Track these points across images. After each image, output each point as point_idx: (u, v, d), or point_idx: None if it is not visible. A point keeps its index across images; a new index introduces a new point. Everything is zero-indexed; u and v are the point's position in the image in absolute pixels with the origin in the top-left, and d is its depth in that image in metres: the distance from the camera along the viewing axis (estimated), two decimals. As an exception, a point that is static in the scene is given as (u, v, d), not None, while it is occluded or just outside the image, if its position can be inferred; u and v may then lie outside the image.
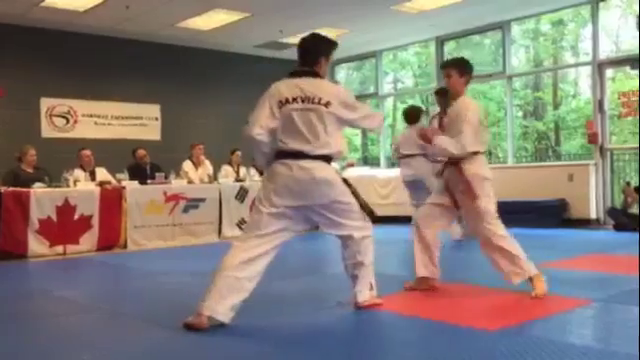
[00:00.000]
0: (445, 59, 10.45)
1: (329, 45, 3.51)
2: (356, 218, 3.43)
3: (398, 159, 7.12)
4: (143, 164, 8.42)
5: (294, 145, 3.26)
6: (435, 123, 7.67)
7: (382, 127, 3.70)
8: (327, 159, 3.34)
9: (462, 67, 4.14)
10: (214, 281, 3.17)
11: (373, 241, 3.56)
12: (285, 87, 3.34)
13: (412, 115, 6.98)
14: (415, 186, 6.83)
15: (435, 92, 8.06)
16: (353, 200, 3.42)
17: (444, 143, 3.89)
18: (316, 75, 3.39)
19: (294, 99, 3.28)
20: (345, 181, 3.46)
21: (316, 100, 3.26)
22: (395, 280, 4.54)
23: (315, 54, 3.43)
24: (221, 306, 3.12)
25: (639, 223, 7.29)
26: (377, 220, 3.62)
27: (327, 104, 3.26)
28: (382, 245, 6.55)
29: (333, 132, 3.31)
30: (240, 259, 3.19)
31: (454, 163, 3.99)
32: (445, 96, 7.73)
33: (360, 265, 3.50)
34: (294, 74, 3.40)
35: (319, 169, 3.27)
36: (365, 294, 3.52)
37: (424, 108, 7.47)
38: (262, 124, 3.28)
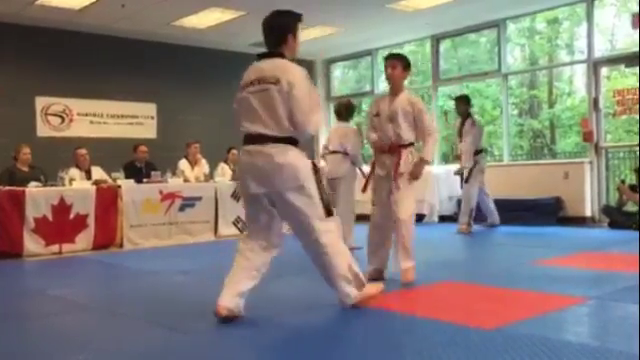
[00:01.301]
0: (439, 57, 10.56)
1: (293, 19, 3.34)
2: (317, 215, 3.25)
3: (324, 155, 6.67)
4: (140, 162, 8.40)
5: (255, 128, 3.19)
6: (456, 128, 7.73)
7: (315, 131, 3.35)
8: (291, 141, 3.21)
9: (407, 63, 4.47)
10: (227, 277, 3.28)
11: (338, 238, 3.40)
12: (248, 72, 3.31)
13: (341, 111, 6.50)
14: (332, 185, 6.38)
15: (455, 98, 8.05)
16: (316, 191, 3.25)
17: (432, 155, 4.41)
18: (280, 56, 3.26)
19: (252, 82, 3.23)
20: (314, 168, 3.30)
21: (270, 79, 3.16)
22: (391, 279, 4.55)
23: (280, 33, 3.29)
24: (233, 300, 3.21)
25: (639, 222, 7.31)
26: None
27: (277, 82, 3.14)
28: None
29: (283, 113, 3.15)
30: (244, 250, 3.31)
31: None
32: (466, 103, 7.77)
33: (329, 268, 3.34)
34: (261, 56, 3.32)
35: (280, 154, 3.16)
36: (350, 295, 3.39)
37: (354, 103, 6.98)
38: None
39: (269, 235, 3.36)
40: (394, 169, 4.31)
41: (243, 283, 3.25)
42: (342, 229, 6.27)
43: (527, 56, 13.61)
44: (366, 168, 7.53)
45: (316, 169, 3.30)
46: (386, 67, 4.43)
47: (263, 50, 3.41)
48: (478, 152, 7.69)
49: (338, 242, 3.37)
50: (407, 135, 4.32)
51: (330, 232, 3.32)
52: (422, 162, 4.30)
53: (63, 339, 3.17)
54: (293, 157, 3.20)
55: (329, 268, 3.34)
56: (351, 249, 6.21)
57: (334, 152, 6.38)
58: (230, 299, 3.21)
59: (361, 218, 7.19)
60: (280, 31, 3.30)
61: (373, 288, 3.51)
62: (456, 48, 12.27)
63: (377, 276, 4.41)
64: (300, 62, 3.44)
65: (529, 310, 3.37)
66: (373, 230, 4.48)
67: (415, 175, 4.31)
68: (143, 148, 8.50)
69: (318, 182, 3.28)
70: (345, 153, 6.31)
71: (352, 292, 3.38)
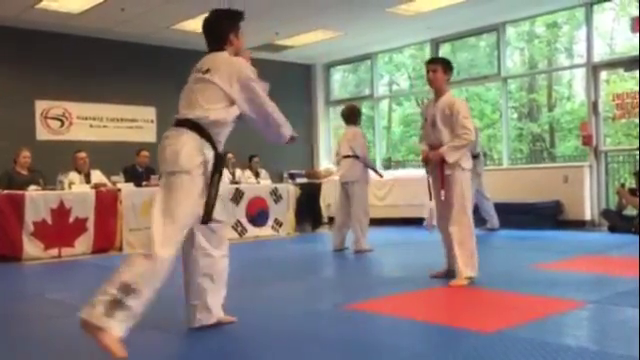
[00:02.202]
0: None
1: (232, 21, 3.22)
2: (163, 219, 2.77)
3: (337, 162, 6.73)
4: (141, 166, 8.40)
5: (177, 115, 3.10)
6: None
7: (282, 138, 3.12)
8: (196, 127, 2.95)
9: (447, 66, 4.51)
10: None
11: (162, 268, 2.80)
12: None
13: (348, 115, 6.64)
14: (345, 189, 6.48)
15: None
16: (190, 185, 2.84)
17: (451, 155, 4.21)
18: (220, 51, 3.17)
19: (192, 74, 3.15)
20: (217, 160, 2.95)
21: (202, 69, 3.10)
22: (391, 282, 4.55)
23: (220, 36, 3.19)
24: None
25: (639, 226, 7.30)
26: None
27: (206, 71, 3.05)
28: (378, 247, 6.58)
29: (209, 99, 2.98)
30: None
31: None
32: None
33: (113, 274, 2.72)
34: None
35: (173, 136, 2.97)
36: (88, 312, 2.67)
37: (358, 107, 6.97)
38: None
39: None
40: (439, 174, 4.32)
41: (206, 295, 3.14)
42: (356, 231, 6.33)
43: (526, 60, 13.62)
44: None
45: (219, 163, 2.96)
46: (427, 72, 4.49)
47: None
48: (474, 157, 7.68)
49: (141, 260, 2.74)
50: (448, 139, 4.30)
51: (150, 243, 2.73)
52: (437, 153, 4.28)
53: (62, 342, 3.17)
54: (182, 140, 2.92)
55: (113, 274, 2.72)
56: (363, 251, 6.28)
57: (346, 156, 6.45)
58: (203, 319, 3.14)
59: (374, 222, 7.16)
60: (220, 34, 3.20)
61: (114, 345, 2.60)
62: (455, 52, 12.26)
63: (444, 275, 4.47)
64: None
65: (529, 314, 3.37)
66: (441, 234, 4.56)
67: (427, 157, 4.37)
68: (145, 153, 8.52)
69: (214, 181, 2.92)
70: (356, 156, 6.35)
71: (94, 312, 2.62)
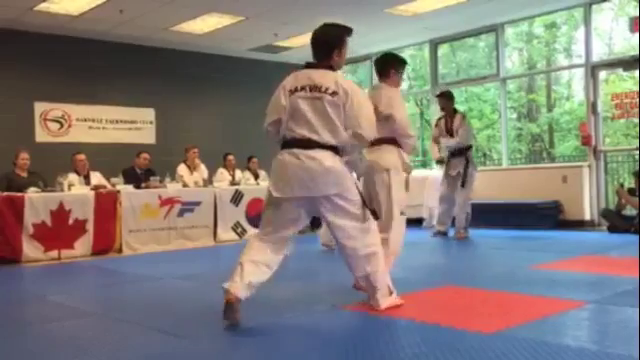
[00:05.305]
0: (438, 62, 10.58)
1: (341, 34, 3.47)
2: (359, 222, 3.33)
3: None
4: (140, 168, 8.39)
5: (302, 132, 3.22)
6: (441, 125, 7.68)
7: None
8: (335, 150, 3.26)
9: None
10: (236, 266, 3.24)
11: (380, 248, 3.48)
12: (295, 77, 3.34)
13: None
14: None
15: (438, 95, 8.00)
16: (358, 199, 3.33)
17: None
18: (329, 68, 3.37)
19: (302, 87, 3.27)
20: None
21: (323, 89, 3.23)
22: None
23: (327, 47, 3.40)
24: (241, 283, 3.18)
25: (638, 226, 7.30)
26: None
27: (333, 94, 3.23)
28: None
29: (340, 123, 3.25)
30: (257, 246, 3.31)
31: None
32: (449, 98, 7.70)
33: (372, 275, 3.43)
34: (308, 66, 3.39)
35: (327, 159, 3.21)
36: (386, 301, 3.49)
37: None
38: (275, 116, 3.31)
39: (286, 239, 3.39)
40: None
41: (255, 275, 3.23)
42: None
43: (525, 60, 13.64)
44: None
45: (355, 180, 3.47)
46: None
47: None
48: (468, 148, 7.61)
49: (380, 258, 3.49)
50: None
51: (374, 253, 3.44)
52: None
53: (62, 345, 3.17)
54: (338, 163, 3.27)
55: (373, 280, 3.49)
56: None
57: None
58: (243, 289, 3.20)
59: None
60: (326, 46, 3.40)
61: (399, 299, 3.63)
62: (454, 52, 12.29)
63: None
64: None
65: (528, 314, 3.37)
66: None
67: None
68: (145, 155, 8.50)
69: (359, 191, 3.41)
70: None
71: (388, 301, 3.54)
